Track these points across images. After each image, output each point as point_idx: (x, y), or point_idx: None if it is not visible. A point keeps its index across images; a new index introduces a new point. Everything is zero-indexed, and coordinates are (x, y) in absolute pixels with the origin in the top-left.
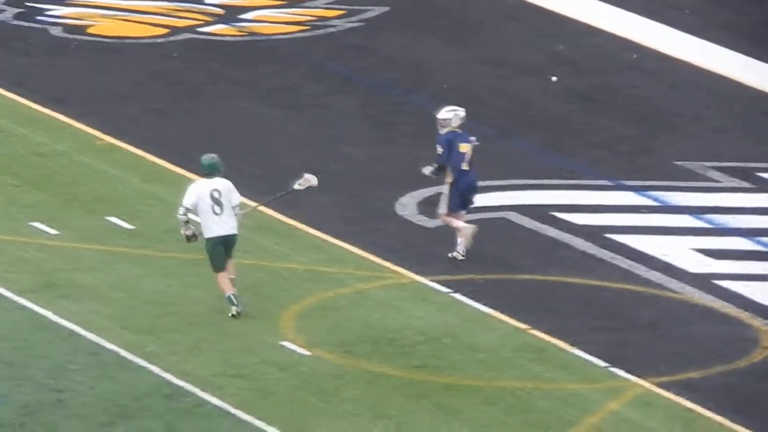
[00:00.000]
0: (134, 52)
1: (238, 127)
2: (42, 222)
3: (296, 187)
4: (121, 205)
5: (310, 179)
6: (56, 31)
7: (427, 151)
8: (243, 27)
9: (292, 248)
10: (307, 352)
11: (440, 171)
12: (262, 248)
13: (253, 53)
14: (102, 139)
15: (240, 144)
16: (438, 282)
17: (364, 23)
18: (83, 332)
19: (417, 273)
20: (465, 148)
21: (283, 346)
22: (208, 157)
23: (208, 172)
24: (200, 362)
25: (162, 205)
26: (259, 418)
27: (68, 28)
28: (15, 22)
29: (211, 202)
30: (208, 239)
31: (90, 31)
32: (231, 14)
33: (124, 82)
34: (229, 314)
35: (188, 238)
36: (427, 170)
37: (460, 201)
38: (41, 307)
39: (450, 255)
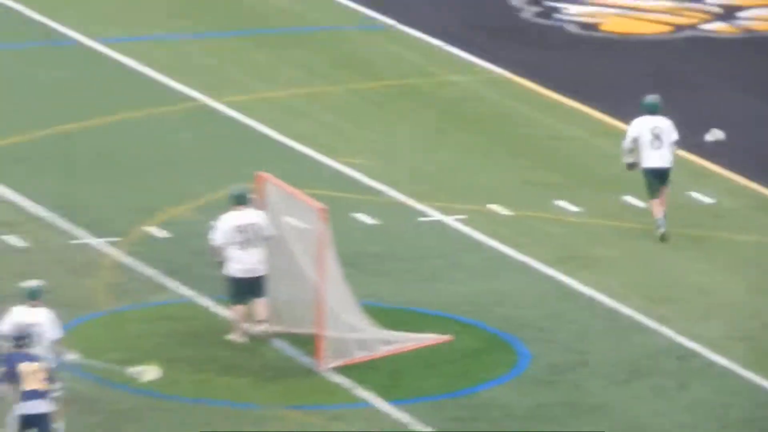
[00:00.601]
0: (640, 47)
1: (725, 117)
2: (564, 200)
3: (708, 138)
4: (633, 185)
5: (717, 133)
6: (571, 28)
7: None
8: (740, 25)
9: None
10: None
11: None
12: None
13: (749, 50)
14: (613, 125)
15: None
16: None
17: None
18: (602, 299)
19: None
20: None
21: None
22: (651, 97)
23: (650, 111)
24: (709, 326)
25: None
26: (766, 378)
27: (582, 26)
28: (535, 20)
29: (651, 137)
30: (644, 169)
31: (602, 27)
32: (729, 12)
33: (632, 74)
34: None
35: (629, 166)
36: None
37: None
38: (565, 276)
39: None
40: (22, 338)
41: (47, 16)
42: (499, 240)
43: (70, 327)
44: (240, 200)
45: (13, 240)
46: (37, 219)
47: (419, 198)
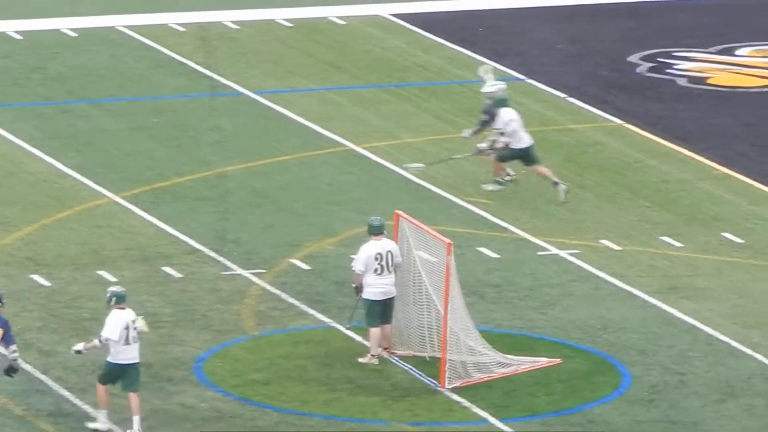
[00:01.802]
0: (743, 99)
1: None
2: (669, 236)
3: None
4: (732, 223)
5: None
6: (682, 82)
7: None
8: None
9: None
10: None
11: None
12: None
13: None
14: (717, 170)
15: None
16: None
17: None
18: (701, 326)
19: None
20: None
21: None
22: None
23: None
24: None
25: (767, 224)
26: None
27: (691, 79)
28: (648, 74)
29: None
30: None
31: (709, 81)
32: None
33: (736, 124)
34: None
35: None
36: None
37: None
38: (667, 305)
39: None
40: None
41: (212, 70)
42: (608, 272)
43: (219, 349)
44: (378, 230)
45: (171, 271)
46: (192, 252)
47: (539, 234)
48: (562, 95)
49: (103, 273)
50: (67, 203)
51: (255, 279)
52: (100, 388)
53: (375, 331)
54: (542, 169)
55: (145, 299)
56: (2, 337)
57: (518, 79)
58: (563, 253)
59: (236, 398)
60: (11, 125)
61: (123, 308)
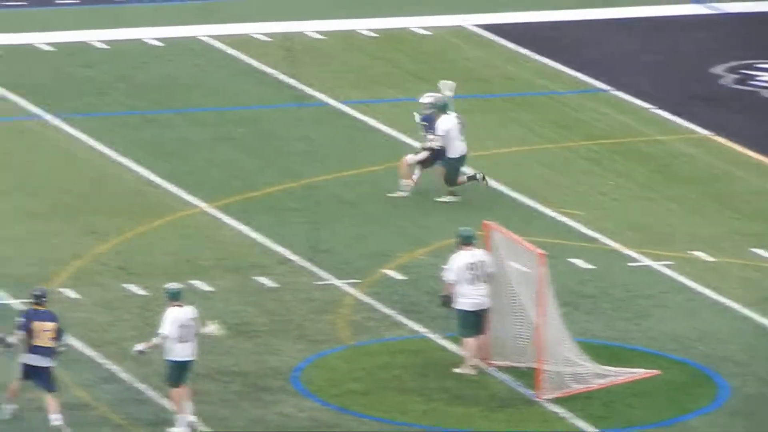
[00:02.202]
0: None
1: None
2: (760, 248)
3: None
4: None
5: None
6: (766, 93)
7: None
8: None
9: None
10: None
11: None
12: None
13: None
14: None
15: None
16: None
17: None
18: None
19: None
20: None
21: None
22: None
23: None
24: None
25: None
26: None
27: None
28: (733, 86)
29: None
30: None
31: None
32: None
33: None
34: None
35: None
36: None
37: None
38: (762, 317)
39: None
40: (39, 296)
41: (296, 80)
42: (702, 283)
43: (315, 359)
44: (469, 240)
45: (265, 281)
46: (285, 262)
47: (630, 245)
48: (648, 106)
49: (196, 282)
50: (158, 213)
51: (349, 289)
52: (174, 393)
53: (470, 342)
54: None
55: (240, 309)
56: (57, 333)
57: (603, 90)
58: (655, 265)
59: (335, 408)
60: (99, 134)
61: (180, 305)
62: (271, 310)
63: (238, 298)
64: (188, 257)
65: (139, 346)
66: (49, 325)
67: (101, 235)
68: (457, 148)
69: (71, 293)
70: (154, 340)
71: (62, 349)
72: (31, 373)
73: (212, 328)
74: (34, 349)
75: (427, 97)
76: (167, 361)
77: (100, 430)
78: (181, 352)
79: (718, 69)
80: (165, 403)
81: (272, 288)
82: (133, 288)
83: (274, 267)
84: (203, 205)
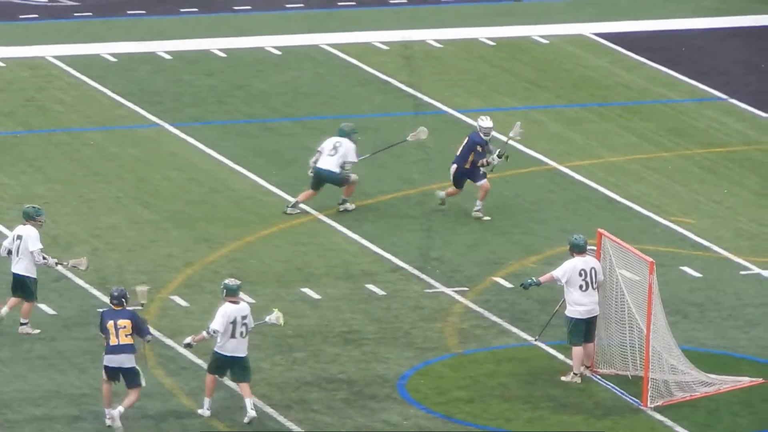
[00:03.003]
0: None
1: None
2: None
3: (409, 138)
4: None
5: (420, 133)
6: None
7: None
8: None
9: None
10: None
11: None
12: None
13: None
14: None
15: None
16: None
17: None
18: None
19: None
20: None
21: None
22: None
23: None
24: None
25: None
26: None
27: None
28: None
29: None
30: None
31: None
32: None
33: None
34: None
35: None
36: None
37: None
38: None
39: None
40: (117, 297)
41: (415, 89)
42: None
43: (421, 367)
44: (581, 248)
45: (374, 288)
46: (396, 270)
47: (741, 253)
48: (765, 115)
49: (307, 290)
50: (271, 220)
51: (458, 297)
52: (208, 378)
53: (578, 350)
54: (307, 194)
55: (349, 317)
56: (135, 329)
57: (721, 98)
58: (766, 273)
59: (439, 416)
60: (215, 142)
61: (236, 302)
62: (379, 317)
63: (348, 305)
64: (299, 265)
65: (188, 339)
66: (124, 322)
67: (215, 243)
68: (319, 161)
69: (181, 301)
70: (203, 333)
71: (149, 339)
72: (112, 372)
73: (274, 317)
74: (112, 349)
75: (488, 120)
76: (214, 352)
77: None
78: (229, 346)
79: None
80: (270, 410)
81: (382, 296)
82: (244, 295)
83: (385, 275)
84: (317, 214)
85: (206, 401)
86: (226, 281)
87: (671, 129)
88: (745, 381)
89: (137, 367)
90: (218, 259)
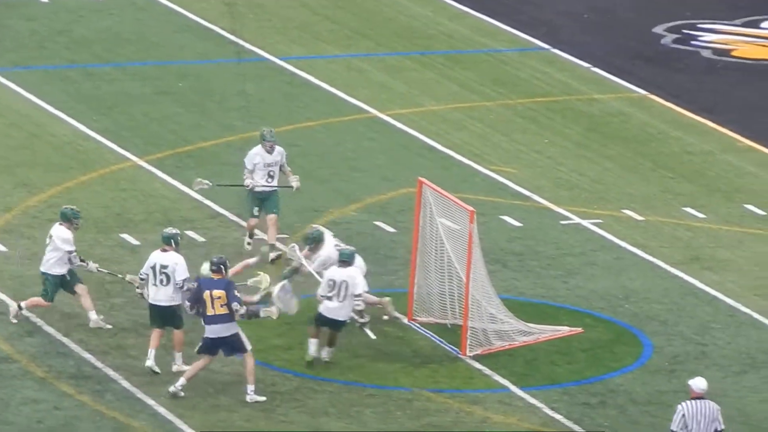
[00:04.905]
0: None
1: None
2: (691, 207)
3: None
4: (755, 195)
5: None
6: (706, 54)
7: None
8: None
9: None
10: None
11: None
12: None
13: None
14: (741, 142)
15: None
16: None
17: None
18: (723, 297)
19: None
20: None
21: None
22: None
23: None
24: None
25: None
26: None
27: (716, 51)
28: (673, 46)
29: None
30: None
31: (734, 54)
32: None
33: (761, 96)
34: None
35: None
36: None
37: None
38: (689, 276)
39: None
40: (217, 264)
41: (237, 36)
42: (631, 242)
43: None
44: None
45: (194, 235)
46: (215, 216)
47: (561, 203)
48: (587, 65)
49: (125, 236)
50: (91, 166)
51: (278, 244)
52: (153, 332)
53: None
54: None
55: None
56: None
57: (543, 48)
58: (585, 223)
59: (258, 363)
60: (37, 88)
61: (165, 251)
62: (198, 263)
63: None
64: (119, 211)
65: (129, 277)
66: (219, 292)
67: (34, 188)
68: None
69: (0, 246)
70: (129, 276)
71: (241, 313)
72: (211, 345)
73: (256, 280)
74: (209, 319)
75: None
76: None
77: (22, 383)
78: (151, 293)
79: (659, 29)
80: (88, 356)
81: (201, 242)
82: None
83: (205, 221)
84: (137, 160)
85: (150, 352)
86: (165, 230)
87: (494, 78)
88: (564, 330)
89: (239, 333)
90: (37, 204)
